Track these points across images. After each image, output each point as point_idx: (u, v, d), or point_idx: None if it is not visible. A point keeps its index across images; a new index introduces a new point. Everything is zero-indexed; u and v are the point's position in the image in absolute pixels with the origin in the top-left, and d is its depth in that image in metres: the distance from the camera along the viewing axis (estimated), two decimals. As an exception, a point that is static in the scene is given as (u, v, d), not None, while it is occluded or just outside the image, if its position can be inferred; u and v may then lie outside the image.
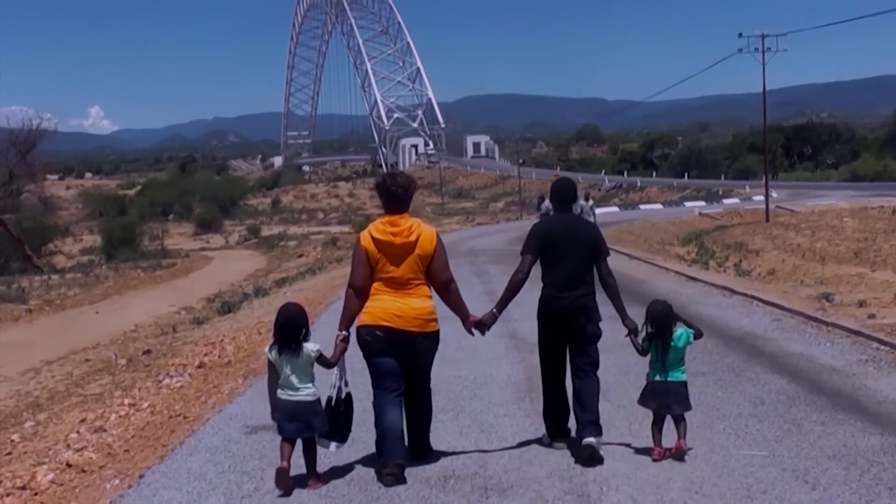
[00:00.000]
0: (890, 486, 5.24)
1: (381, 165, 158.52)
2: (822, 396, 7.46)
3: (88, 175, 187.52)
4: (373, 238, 5.78)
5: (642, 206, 62.90)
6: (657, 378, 6.01)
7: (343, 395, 5.76)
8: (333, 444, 5.75)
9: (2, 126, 52.91)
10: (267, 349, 5.69)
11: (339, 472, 5.86)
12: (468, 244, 31.68)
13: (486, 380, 8.59)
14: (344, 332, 5.76)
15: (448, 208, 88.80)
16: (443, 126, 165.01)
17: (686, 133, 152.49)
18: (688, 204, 59.39)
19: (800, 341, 10.16)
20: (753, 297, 13.93)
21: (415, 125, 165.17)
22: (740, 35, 42.72)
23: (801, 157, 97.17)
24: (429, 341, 5.84)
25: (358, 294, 5.80)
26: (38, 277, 39.03)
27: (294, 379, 5.54)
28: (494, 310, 6.17)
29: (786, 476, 5.45)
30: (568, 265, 6.10)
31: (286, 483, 5.48)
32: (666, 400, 5.96)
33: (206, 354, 11.90)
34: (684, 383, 6.04)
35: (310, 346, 5.59)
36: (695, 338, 6.11)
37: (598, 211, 33.04)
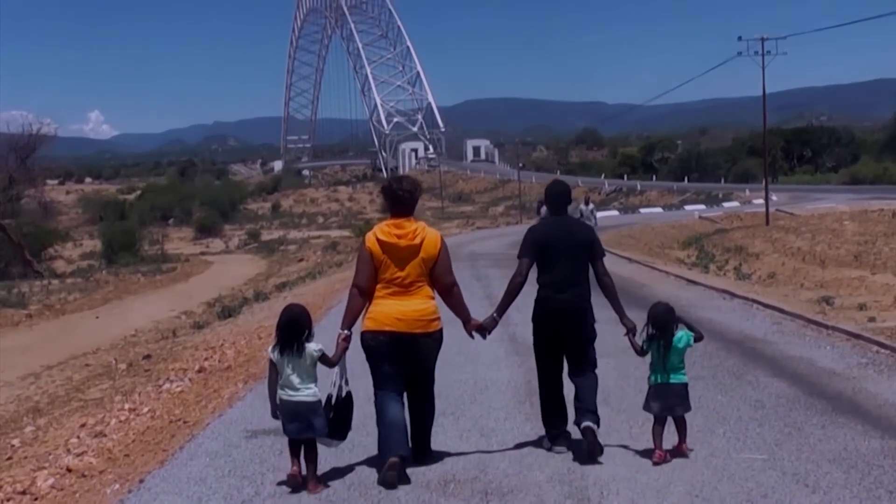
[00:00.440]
0: (890, 490, 5.24)
1: (380, 170, 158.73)
2: (822, 400, 7.46)
3: (88, 180, 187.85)
4: (378, 240, 5.85)
5: (642, 210, 62.94)
6: (659, 380, 6.03)
7: (343, 394, 5.81)
8: (333, 442, 5.82)
9: (2, 131, 53.12)
10: (270, 349, 5.73)
11: (339, 475, 5.86)
12: (468, 248, 31.68)
13: (486, 384, 8.59)
14: (346, 332, 5.81)
15: (448, 212, 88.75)
16: (442, 130, 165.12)
17: (686, 136, 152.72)
18: (688, 207, 59.38)
19: (800, 345, 10.16)
20: (753, 301, 13.93)
21: (415, 129, 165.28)
22: (740, 38, 42.78)
23: (801, 160, 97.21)
24: (431, 341, 5.89)
25: (362, 294, 5.87)
26: (38, 282, 39.06)
27: (295, 379, 5.57)
28: (495, 314, 6.22)
29: (786, 480, 5.45)
30: (563, 267, 6.14)
31: (298, 484, 5.59)
32: (669, 401, 5.99)
33: (206, 359, 11.90)
34: (685, 384, 6.07)
35: (312, 347, 5.62)
36: (695, 340, 6.13)
37: (598, 215, 33.02)
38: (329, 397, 5.77)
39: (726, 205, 59.03)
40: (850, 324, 11.03)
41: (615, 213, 60.56)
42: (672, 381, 6.00)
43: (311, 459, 5.64)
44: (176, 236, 77.11)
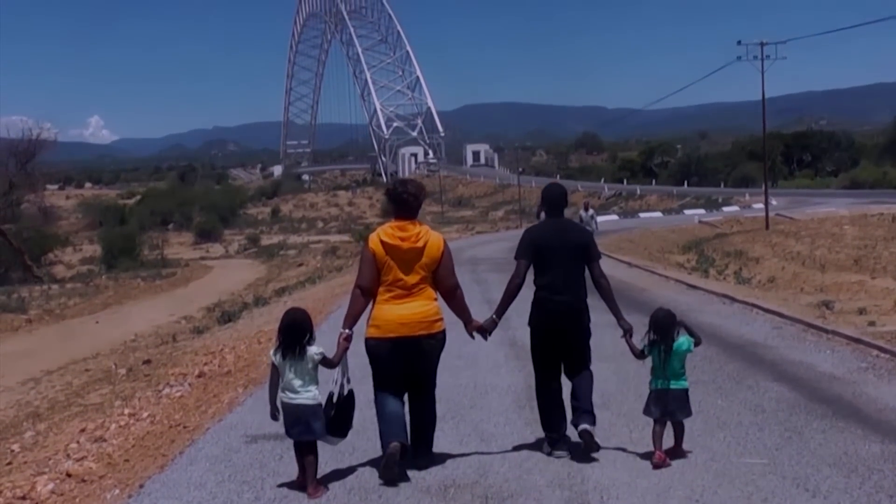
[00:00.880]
0: (891, 494, 5.24)
1: (380, 174, 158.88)
2: (822, 404, 7.46)
3: (88, 185, 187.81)
4: (381, 241, 5.89)
5: (642, 215, 62.92)
6: (659, 385, 6.04)
7: (345, 392, 5.85)
8: (335, 440, 5.87)
9: (2, 136, 53.09)
10: (272, 352, 5.76)
11: (339, 479, 5.86)
12: (468, 253, 31.67)
13: (486, 388, 8.59)
14: (348, 331, 5.85)
15: (448, 217, 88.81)
16: (442, 135, 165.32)
17: (685, 141, 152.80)
18: (687, 212, 59.43)
19: (800, 349, 10.16)
20: (753, 305, 13.93)
21: (414, 134, 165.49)
22: (739, 43, 42.94)
23: (801, 164, 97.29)
24: (435, 342, 5.94)
25: (364, 294, 5.92)
26: (37, 287, 39.06)
27: (296, 382, 5.60)
28: (494, 315, 6.29)
29: (786, 484, 5.45)
30: (559, 268, 6.20)
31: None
32: (669, 407, 6.01)
33: (205, 364, 11.88)
34: (685, 390, 6.09)
35: (313, 350, 5.66)
36: (694, 345, 6.14)
37: (598, 219, 33.03)
38: (330, 395, 5.82)
39: (726, 209, 59.06)
40: (850, 328, 11.04)
41: (615, 217, 60.55)
42: (673, 386, 6.02)
43: (311, 463, 5.66)
44: (176, 241, 77.19)
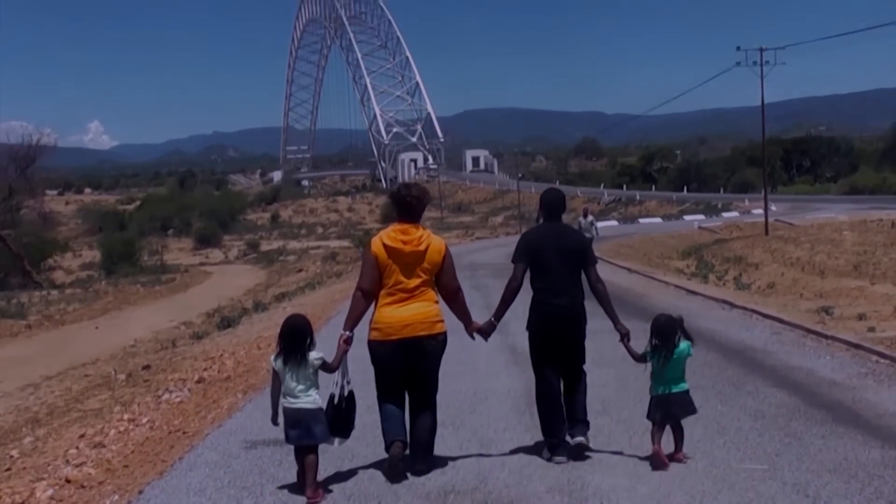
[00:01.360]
0: (891, 500, 5.23)
1: (380, 180, 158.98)
2: (822, 410, 7.45)
3: (88, 190, 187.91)
4: (384, 245, 5.93)
5: (641, 220, 62.98)
6: (661, 391, 6.05)
7: (346, 393, 5.89)
8: (336, 441, 5.89)
9: (1, 141, 53.18)
10: (272, 358, 5.78)
11: (339, 483, 5.86)
12: (468, 258, 31.67)
13: (485, 394, 8.58)
14: (348, 333, 5.88)
15: (447, 222, 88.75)
16: (442, 140, 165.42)
17: (685, 146, 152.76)
18: (687, 217, 59.40)
19: (800, 355, 10.15)
20: (753, 311, 13.93)
21: (414, 139, 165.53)
22: (738, 48, 42.89)
23: (800, 170, 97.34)
24: (436, 343, 5.98)
25: (366, 296, 5.96)
26: (37, 293, 39.08)
27: (297, 387, 5.63)
28: (492, 318, 6.35)
29: (786, 490, 5.45)
30: (556, 272, 6.24)
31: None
32: (673, 410, 6.04)
33: (205, 369, 11.88)
34: (687, 391, 6.13)
35: (313, 355, 5.68)
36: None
37: (598, 225, 33.01)
38: (331, 396, 5.86)
39: (725, 215, 59.07)
40: (849, 334, 11.03)
41: (614, 223, 60.61)
42: (674, 390, 6.04)
43: (312, 463, 5.67)
44: (175, 247, 77.15)
